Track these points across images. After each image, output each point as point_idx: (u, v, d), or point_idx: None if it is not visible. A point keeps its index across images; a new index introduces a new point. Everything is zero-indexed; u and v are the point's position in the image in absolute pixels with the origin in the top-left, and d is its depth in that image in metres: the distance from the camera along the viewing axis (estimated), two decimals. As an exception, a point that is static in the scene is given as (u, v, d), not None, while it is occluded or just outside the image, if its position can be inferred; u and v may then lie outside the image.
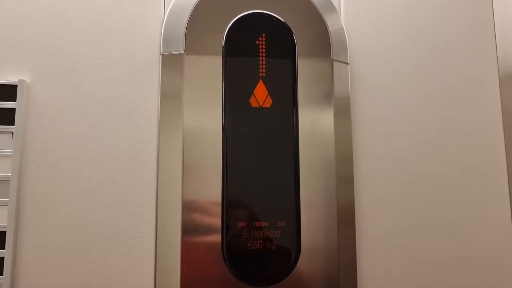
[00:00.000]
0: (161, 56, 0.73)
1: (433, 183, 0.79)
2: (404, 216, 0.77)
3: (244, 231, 0.69)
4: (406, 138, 0.80)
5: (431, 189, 0.79)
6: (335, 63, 0.76)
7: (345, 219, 0.74)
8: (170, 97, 0.72)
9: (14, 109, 0.68)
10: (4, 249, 0.65)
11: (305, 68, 0.75)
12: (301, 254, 0.70)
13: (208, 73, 0.72)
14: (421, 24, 0.84)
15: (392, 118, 0.80)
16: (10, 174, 0.67)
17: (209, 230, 0.68)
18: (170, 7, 0.75)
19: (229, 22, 0.74)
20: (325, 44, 0.77)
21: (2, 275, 0.64)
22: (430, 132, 0.81)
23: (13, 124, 0.68)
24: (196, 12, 0.73)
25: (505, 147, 0.82)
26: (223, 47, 0.73)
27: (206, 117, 0.71)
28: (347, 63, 0.78)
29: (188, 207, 0.68)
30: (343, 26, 0.80)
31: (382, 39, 0.83)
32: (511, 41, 0.83)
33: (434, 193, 0.79)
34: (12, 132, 0.68)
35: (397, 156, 0.79)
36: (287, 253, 0.70)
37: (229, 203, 0.69)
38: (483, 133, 0.82)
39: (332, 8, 0.80)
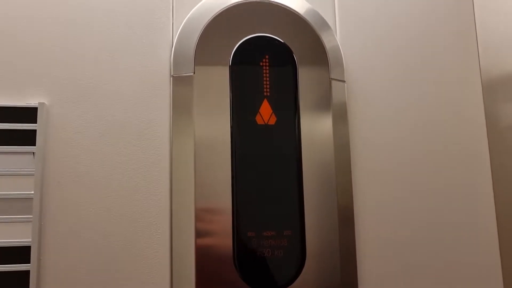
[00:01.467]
0: (171, 78, 0.78)
1: (425, 185, 0.86)
2: (400, 219, 0.83)
3: (254, 240, 0.74)
4: (400, 144, 0.86)
5: (424, 190, 0.85)
6: (333, 82, 0.82)
7: (345, 224, 0.79)
8: (180, 116, 0.77)
9: (35, 130, 0.73)
10: (29, 263, 0.69)
11: (305, 87, 0.80)
12: (306, 260, 0.75)
13: (216, 94, 0.77)
14: (410, 40, 0.91)
15: (387, 130, 0.86)
16: (33, 192, 0.71)
17: (221, 239, 0.73)
18: (179, 31, 0.80)
19: (234, 46, 0.79)
20: (323, 64, 0.83)
21: (28, 287, 0.68)
22: (421, 139, 0.87)
23: (34, 144, 0.72)
24: (204, 36, 0.78)
25: (489, 151, 0.89)
26: (229, 69, 0.78)
27: (215, 135, 0.76)
28: (344, 81, 0.84)
29: (200, 218, 0.73)
30: (339, 45, 0.86)
31: (374, 56, 0.89)
32: (492, 52, 0.90)
33: (427, 194, 0.85)
34: (33, 153, 0.72)
35: (393, 165, 0.85)
36: (294, 259, 0.75)
37: (238, 214, 0.74)
38: (468, 139, 0.89)
39: (327, 28, 0.85)
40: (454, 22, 0.94)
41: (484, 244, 0.85)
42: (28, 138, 0.72)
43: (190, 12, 0.81)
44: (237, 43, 0.79)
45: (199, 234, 0.73)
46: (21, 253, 0.69)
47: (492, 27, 0.91)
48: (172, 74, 0.78)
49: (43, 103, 0.74)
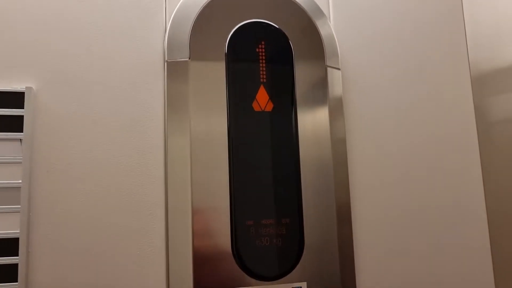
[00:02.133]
0: (166, 63, 0.76)
1: (419, 179, 0.86)
2: (395, 209, 0.84)
3: (252, 229, 0.72)
4: (393, 135, 0.86)
5: (416, 183, 0.86)
6: (328, 69, 0.81)
7: (343, 214, 0.79)
8: (176, 102, 0.74)
9: (22, 116, 0.69)
10: (18, 255, 0.65)
11: (302, 73, 0.80)
12: (304, 248, 0.74)
13: (212, 79, 0.75)
14: (402, 32, 0.91)
15: (381, 118, 0.86)
16: (20, 181, 0.67)
17: (219, 228, 0.71)
18: (172, 16, 0.77)
19: (231, 31, 0.77)
20: (319, 51, 0.82)
21: (16, 281, 0.65)
22: (414, 131, 0.88)
23: (21, 131, 0.69)
24: (198, 21, 0.76)
25: (479, 144, 0.90)
26: (225, 54, 0.76)
27: (212, 121, 0.74)
28: (339, 69, 0.83)
29: (198, 208, 0.71)
30: (334, 33, 0.85)
31: (367, 44, 0.89)
32: (481, 47, 0.91)
33: (420, 186, 0.86)
34: (21, 139, 0.68)
35: (386, 154, 0.85)
36: (292, 248, 0.74)
37: (236, 202, 0.72)
38: (458, 128, 0.91)
39: (322, 15, 0.85)
40: (444, 16, 0.95)
41: (477, 241, 0.87)
42: (15, 124, 0.69)
43: (184, -4, 0.79)
44: (232, 28, 0.78)
45: (197, 222, 0.71)
46: (9, 246, 0.66)
47: (480, 22, 0.92)
48: (166, 59, 0.76)
49: (30, 87, 0.70)
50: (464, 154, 0.90)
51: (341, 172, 0.80)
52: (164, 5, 0.79)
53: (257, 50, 0.78)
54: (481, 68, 0.91)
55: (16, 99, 0.69)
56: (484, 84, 0.90)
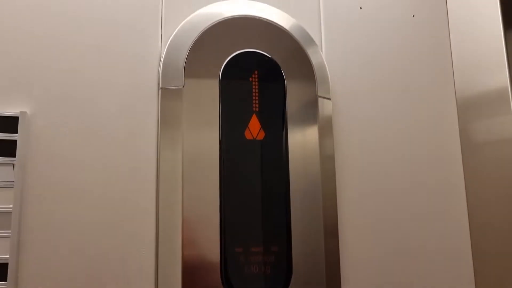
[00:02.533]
0: (160, 90, 0.77)
1: (405, 196, 0.89)
2: (383, 232, 0.86)
3: (241, 257, 0.73)
4: (380, 162, 0.89)
5: (405, 202, 0.89)
6: (319, 99, 0.83)
7: (330, 236, 0.80)
8: (169, 129, 0.75)
9: (16, 140, 0.69)
10: (6, 280, 0.65)
11: (293, 103, 0.81)
12: (292, 275, 0.75)
13: (205, 108, 0.76)
14: (391, 60, 0.94)
15: (369, 145, 0.88)
16: (11, 206, 0.67)
17: (208, 255, 0.72)
18: (168, 44, 0.79)
19: (224, 60, 0.79)
20: (310, 80, 0.84)
21: (4, 307, 0.65)
22: (401, 152, 0.91)
23: (14, 155, 0.69)
24: (194, 50, 0.78)
25: (463, 165, 0.93)
26: (219, 83, 0.78)
27: (204, 149, 0.75)
28: (329, 99, 0.85)
29: (188, 233, 0.72)
30: (325, 62, 0.87)
31: (358, 72, 0.91)
32: (466, 74, 0.94)
33: (407, 204, 0.89)
34: (13, 164, 0.69)
35: (374, 176, 0.88)
36: (280, 276, 0.75)
37: (226, 229, 0.73)
38: (443, 150, 0.94)
39: (313, 44, 0.87)
40: (432, 44, 0.98)
41: (458, 258, 0.89)
42: (8, 148, 0.69)
43: (180, 25, 0.80)
44: (227, 57, 0.79)
45: (186, 249, 0.72)
46: (-2, 270, 0.66)
47: (466, 50, 0.95)
48: (160, 86, 0.77)
49: (25, 112, 0.71)
50: (449, 173, 0.93)
51: (330, 200, 0.82)
52: (160, 31, 0.81)
53: (250, 79, 0.80)
54: (466, 93, 0.94)
55: (10, 123, 0.70)
56: (469, 109, 0.94)
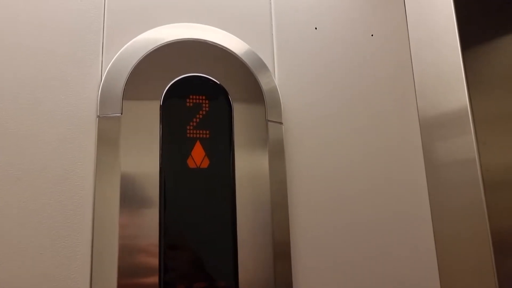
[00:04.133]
0: (97, 119, 0.73)
1: (364, 220, 0.85)
2: (341, 257, 0.81)
3: (183, 294, 0.69)
4: (337, 184, 0.85)
5: (367, 234, 0.84)
6: (269, 124, 0.80)
7: (281, 267, 0.76)
8: (106, 160, 0.71)
9: None
10: None
11: (241, 129, 0.78)
12: (240, 313, 0.71)
13: (145, 136, 0.73)
14: (349, 81, 0.91)
15: (324, 169, 0.85)
16: None
17: (146, 294, 0.67)
18: (107, 70, 0.76)
19: (166, 85, 0.76)
20: (259, 105, 0.80)
21: None
22: (359, 176, 0.87)
23: None
24: (133, 75, 0.75)
25: (427, 186, 0.91)
26: (160, 109, 0.74)
27: (143, 179, 0.71)
28: (281, 123, 0.82)
29: (124, 268, 0.67)
30: (277, 86, 0.84)
31: (313, 96, 0.88)
32: (428, 94, 0.92)
33: (365, 228, 0.85)
34: None
35: (331, 198, 0.83)
36: (226, 314, 0.70)
37: (166, 264, 0.69)
38: (406, 174, 0.91)
39: (265, 69, 0.84)
40: (392, 65, 0.96)
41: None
42: None
43: (120, 50, 0.77)
44: (169, 82, 0.76)
45: (121, 286, 0.67)
46: None
47: (427, 70, 0.93)
48: (98, 114, 0.73)
49: (-50, 145, 0.67)
50: (412, 196, 0.90)
51: (281, 230, 0.77)
52: (101, 57, 0.77)
53: (194, 104, 0.76)
54: (428, 113, 0.92)
55: None
56: (431, 129, 0.91)
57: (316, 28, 0.92)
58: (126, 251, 0.68)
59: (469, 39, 0.87)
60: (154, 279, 0.68)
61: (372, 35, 0.96)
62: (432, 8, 0.94)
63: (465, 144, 0.82)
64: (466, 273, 0.80)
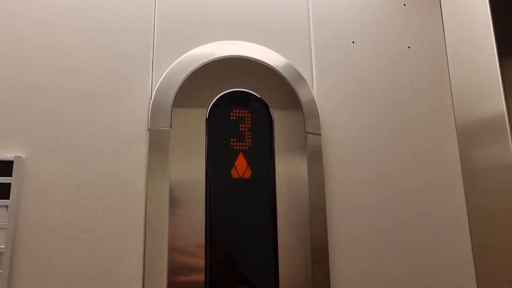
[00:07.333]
0: (148, 132, 0.79)
1: (400, 226, 0.87)
2: (380, 270, 0.83)
3: (226, 296, 0.73)
4: (375, 191, 0.87)
5: (406, 238, 0.87)
6: (308, 135, 0.84)
7: (319, 272, 0.79)
8: (156, 170, 0.77)
9: (10, 183, 0.73)
10: (-4, 320, 0.68)
11: (281, 141, 0.82)
12: (280, 316, 0.75)
13: (192, 148, 0.78)
14: (386, 90, 0.94)
15: (366, 184, 0.87)
16: (3, 246, 0.70)
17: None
18: (157, 87, 0.82)
19: (212, 100, 0.81)
20: (298, 118, 0.84)
21: None
22: (396, 182, 0.89)
23: (8, 197, 0.72)
24: (181, 91, 0.80)
25: (464, 192, 0.92)
26: (206, 123, 0.79)
27: (190, 189, 0.76)
28: (319, 134, 0.85)
29: (173, 272, 0.73)
30: (315, 99, 0.88)
31: (351, 107, 0.91)
32: (465, 102, 0.93)
33: (402, 232, 0.87)
34: (7, 206, 0.72)
35: (368, 206, 0.86)
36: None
37: (211, 267, 0.74)
38: (444, 180, 0.92)
39: (303, 82, 0.88)
40: (429, 75, 0.98)
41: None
42: (3, 191, 0.72)
43: (169, 67, 0.83)
44: (214, 97, 0.81)
45: (171, 283, 0.72)
46: (-12, 310, 0.68)
47: (465, 79, 0.94)
48: (149, 128, 0.80)
49: (20, 156, 0.75)
50: (449, 201, 0.91)
51: (320, 238, 0.81)
52: (151, 75, 0.84)
53: (237, 118, 0.81)
54: (465, 121, 0.93)
55: (5, 167, 0.73)
56: (468, 136, 0.93)
57: (353, 42, 0.95)
58: (175, 252, 0.73)
59: (506, 48, 0.87)
60: (201, 277, 0.73)
61: (409, 47, 0.98)
62: (470, 18, 0.95)
63: (502, 151, 0.83)
64: (504, 280, 0.81)
